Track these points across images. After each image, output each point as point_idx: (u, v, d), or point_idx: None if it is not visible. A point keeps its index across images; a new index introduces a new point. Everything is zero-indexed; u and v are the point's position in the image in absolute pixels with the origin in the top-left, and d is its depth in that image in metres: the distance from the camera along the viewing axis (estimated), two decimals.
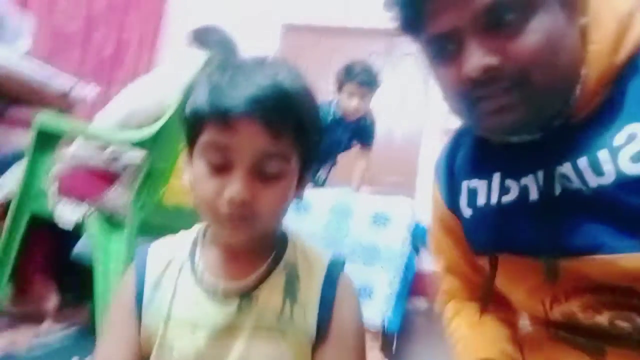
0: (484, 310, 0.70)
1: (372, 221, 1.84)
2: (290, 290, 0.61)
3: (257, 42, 3.10)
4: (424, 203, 2.82)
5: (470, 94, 0.55)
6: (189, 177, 0.59)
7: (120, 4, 3.02)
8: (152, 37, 3.44)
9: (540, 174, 0.58)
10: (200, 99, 0.54)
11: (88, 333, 1.53)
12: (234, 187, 0.53)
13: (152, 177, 1.38)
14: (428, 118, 3.47)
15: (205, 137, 0.54)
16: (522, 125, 0.55)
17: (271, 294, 0.60)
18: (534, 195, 0.59)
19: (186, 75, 1.36)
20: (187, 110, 0.57)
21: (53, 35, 2.48)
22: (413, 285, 2.04)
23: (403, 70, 3.54)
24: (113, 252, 1.38)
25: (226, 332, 0.58)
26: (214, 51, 1.63)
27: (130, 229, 1.37)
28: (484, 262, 0.66)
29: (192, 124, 0.56)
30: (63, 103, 1.92)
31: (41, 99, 1.83)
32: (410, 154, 3.46)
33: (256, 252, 0.62)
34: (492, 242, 0.64)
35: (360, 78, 2.18)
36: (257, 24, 3.45)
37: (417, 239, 1.96)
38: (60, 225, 1.39)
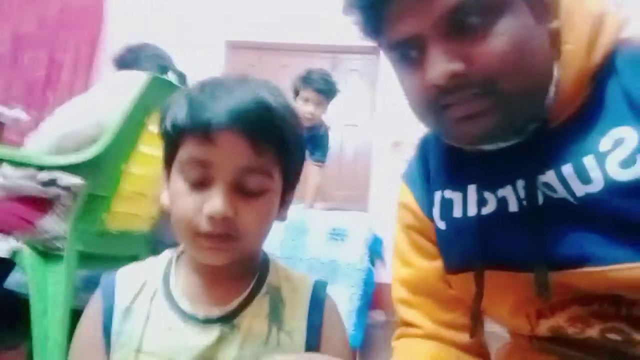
0: (473, 333, 0.64)
1: (329, 237, 1.81)
2: (276, 315, 0.57)
3: (202, 60, 3.02)
4: (377, 217, 2.84)
5: (437, 101, 0.52)
6: (166, 196, 0.57)
7: (51, 24, 2.86)
8: (88, 58, 3.28)
9: (520, 183, 0.56)
10: (180, 113, 0.53)
11: None
12: (215, 202, 0.51)
13: (92, 205, 1.27)
14: (376, 132, 3.51)
15: (184, 152, 0.53)
16: (495, 132, 0.52)
17: (255, 321, 0.56)
18: (513, 206, 0.56)
19: (126, 95, 1.28)
20: (165, 125, 0.55)
21: None
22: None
23: (349, 86, 3.58)
24: (50, 288, 1.26)
25: None
26: (146, 68, 1.56)
27: (68, 261, 1.25)
28: (464, 279, 0.62)
29: (171, 138, 0.54)
30: None
31: None
32: (361, 168, 3.48)
33: (237, 276, 0.58)
34: (470, 256, 0.60)
35: (318, 85, 2.19)
36: (200, 42, 3.38)
37: (373, 252, 1.94)
38: None
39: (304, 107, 2.21)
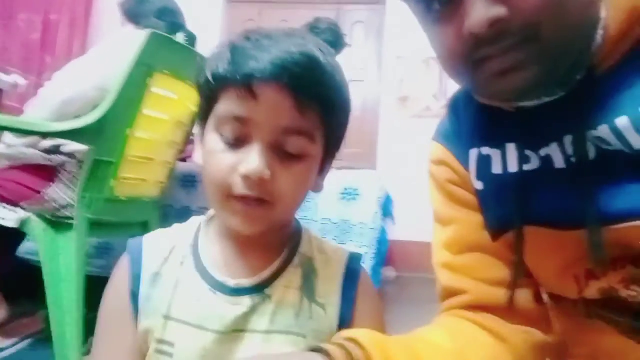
0: (512, 297, 0.59)
1: (341, 197, 1.78)
2: (309, 287, 0.55)
3: (200, 16, 2.91)
4: (386, 174, 2.80)
5: (473, 54, 0.47)
6: (200, 155, 0.54)
7: None
8: (84, 17, 3.17)
9: (568, 139, 0.51)
10: (222, 62, 0.49)
11: (43, 344, 1.40)
12: (252, 161, 0.47)
13: (99, 172, 1.24)
14: (384, 87, 3.42)
15: (222, 107, 0.50)
16: (536, 86, 0.48)
17: (287, 292, 0.54)
18: (559, 163, 0.52)
19: (127, 56, 1.22)
20: (204, 76, 0.51)
21: None
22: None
23: (354, 40, 3.46)
24: (62, 257, 1.24)
25: (236, 335, 0.51)
26: (153, 23, 1.48)
27: (79, 230, 1.23)
28: (508, 240, 0.58)
29: (209, 91, 0.51)
30: None
31: None
32: (369, 125, 3.42)
33: (270, 245, 0.55)
34: (513, 214, 0.56)
35: (325, 36, 2.08)
36: None
37: (385, 210, 1.92)
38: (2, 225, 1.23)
39: None
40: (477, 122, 0.60)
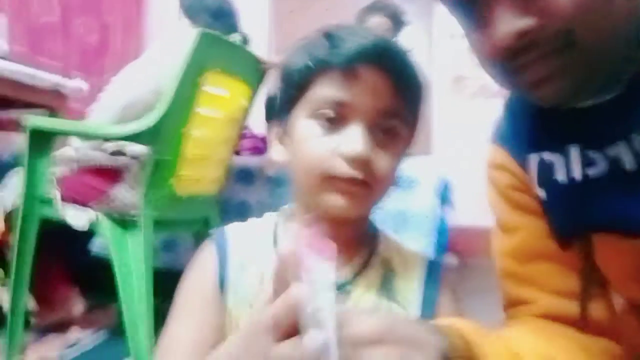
0: (584, 308, 0.55)
1: (397, 186, 1.74)
2: (388, 288, 0.55)
3: (245, 8, 2.92)
4: (443, 158, 2.71)
5: (510, 63, 0.45)
6: (278, 150, 0.56)
7: None
8: (137, 18, 3.27)
9: (637, 137, 0.47)
10: (318, 48, 0.51)
11: (117, 335, 1.47)
12: (356, 142, 0.48)
13: (159, 170, 1.28)
14: (436, 67, 3.31)
15: (319, 91, 0.51)
16: (580, 91, 0.45)
17: (367, 291, 0.54)
18: (630, 164, 0.48)
19: (179, 55, 1.24)
20: (295, 64, 0.53)
21: (30, 30, 2.33)
22: None
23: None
24: (131, 253, 1.30)
25: None
26: (209, 22, 1.49)
27: (145, 228, 1.28)
28: (574, 246, 0.55)
29: (301, 79, 0.52)
30: (53, 101, 1.81)
31: (30, 100, 1.72)
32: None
33: (350, 243, 0.55)
34: (581, 222, 0.52)
35: (389, 11, 1.98)
36: None
37: (444, 198, 1.86)
38: (74, 228, 1.30)
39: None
40: (535, 123, 0.56)
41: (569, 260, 0.56)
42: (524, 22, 0.42)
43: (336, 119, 0.50)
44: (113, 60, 2.98)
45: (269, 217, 0.61)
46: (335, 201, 0.50)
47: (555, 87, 0.44)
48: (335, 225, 0.51)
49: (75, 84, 1.86)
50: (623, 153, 0.48)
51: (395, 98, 0.50)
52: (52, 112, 1.85)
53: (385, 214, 1.75)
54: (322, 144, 0.50)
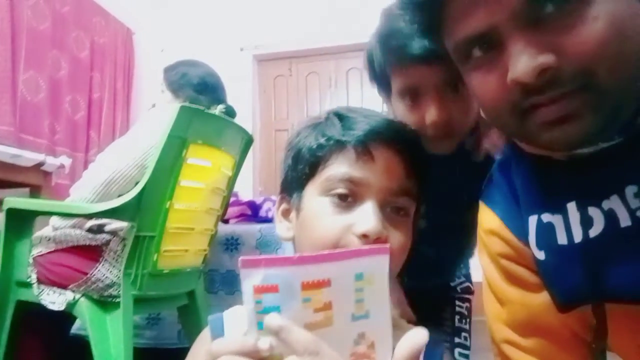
0: None
1: None
2: None
3: (231, 75, 3.01)
4: None
5: (520, 103, 0.43)
6: (284, 227, 0.57)
7: (84, 65, 2.92)
8: (125, 93, 3.34)
9: (630, 190, 0.45)
10: (332, 129, 0.53)
11: None
12: (369, 219, 0.49)
13: (141, 247, 1.24)
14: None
15: (334, 169, 0.52)
16: (593, 135, 0.43)
17: None
18: (625, 221, 0.46)
19: (161, 130, 1.24)
20: (308, 143, 0.54)
21: (17, 109, 2.37)
22: None
23: None
24: (110, 334, 1.24)
25: None
26: (192, 96, 1.52)
27: (125, 308, 1.22)
28: (581, 314, 0.51)
29: (314, 158, 0.53)
30: (36, 179, 1.79)
31: (12, 179, 1.71)
32: None
33: None
34: (583, 289, 0.49)
35: (412, 49, 1.02)
36: (229, 59, 3.37)
37: None
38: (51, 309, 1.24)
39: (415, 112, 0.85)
40: (531, 184, 0.55)
41: (569, 334, 0.54)
42: (543, 58, 0.41)
43: (349, 197, 0.51)
44: (99, 135, 3.01)
45: None
46: None
47: (571, 130, 0.43)
48: None
49: (57, 162, 1.86)
50: (617, 208, 0.46)
51: (407, 178, 0.52)
52: (36, 191, 1.83)
53: None
54: (335, 221, 0.50)
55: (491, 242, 0.60)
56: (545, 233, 0.52)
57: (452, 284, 1.08)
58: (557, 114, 0.42)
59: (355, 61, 3.50)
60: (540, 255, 0.53)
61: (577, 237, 0.49)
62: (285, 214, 0.57)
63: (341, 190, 0.51)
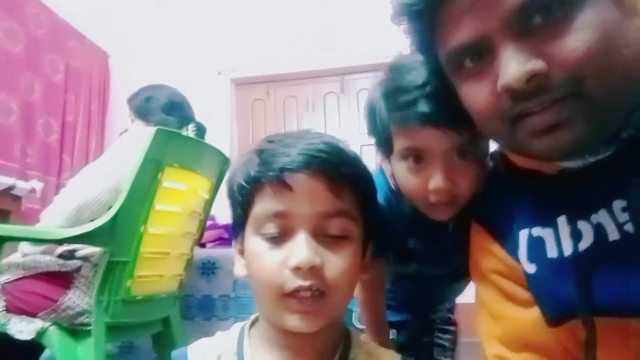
0: None
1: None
2: None
3: (208, 99, 3.01)
4: None
5: (510, 110, 0.44)
6: (239, 266, 0.56)
7: (58, 89, 2.88)
8: (99, 116, 3.30)
9: (618, 204, 0.46)
10: (251, 165, 0.53)
11: None
12: (299, 251, 0.48)
13: (114, 273, 1.21)
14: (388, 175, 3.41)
15: (259, 207, 0.52)
16: (581, 144, 0.44)
17: None
18: (613, 234, 0.46)
19: (136, 154, 1.23)
20: (236, 183, 0.54)
21: None
22: None
23: (361, 106, 3.52)
24: None
25: None
26: (161, 119, 1.51)
27: (97, 336, 1.18)
28: (571, 328, 0.51)
29: (242, 198, 0.53)
30: (5, 203, 1.74)
31: None
32: None
33: (320, 350, 0.54)
34: (573, 303, 0.49)
35: (421, 109, 0.67)
36: (206, 83, 3.37)
37: None
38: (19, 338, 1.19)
39: (419, 176, 0.69)
40: (522, 199, 0.56)
41: (561, 350, 0.54)
42: (533, 64, 0.42)
43: (280, 233, 0.50)
44: (73, 158, 2.96)
45: (235, 327, 0.59)
46: (293, 321, 0.50)
47: (560, 137, 0.43)
48: (300, 337, 0.51)
49: (28, 186, 1.81)
50: (606, 222, 0.47)
51: (336, 198, 0.51)
52: (5, 216, 1.78)
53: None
54: (270, 259, 0.50)
55: (482, 259, 0.60)
56: (536, 247, 0.53)
57: (433, 316, 1.04)
58: (547, 122, 0.43)
59: (332, 85, 3.54)
60: (531, 268, 0.54)
61: (567, 250, 0.50)
62: (241, 252, 0.57)
63: (269, 227, 0.51)
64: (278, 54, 3.44)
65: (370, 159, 3.45)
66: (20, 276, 1.25)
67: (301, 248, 0.48)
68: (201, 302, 1.78)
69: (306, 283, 0.48)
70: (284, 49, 3.43)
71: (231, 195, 0.56)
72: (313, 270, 0.48)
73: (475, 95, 0.48)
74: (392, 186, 0.76)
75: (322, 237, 0.51)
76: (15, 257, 1.33)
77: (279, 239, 0.50)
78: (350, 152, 0.55)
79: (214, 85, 3.47)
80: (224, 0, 3.51)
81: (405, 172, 0.67)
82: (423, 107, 0.61)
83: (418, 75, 0.63)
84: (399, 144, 0.66)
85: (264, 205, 0.51)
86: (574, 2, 0.41)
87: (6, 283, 1.24)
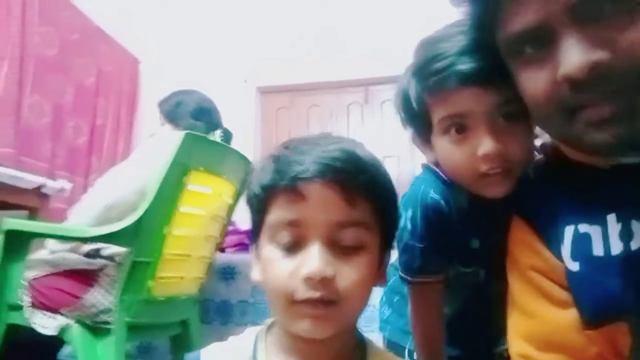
0: None
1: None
2: None
3: (234, 106, 3.04)
4: None
5: (568, 100, 0.43)
6: (256, 271, 0.55)
7: (89, 92, 2.96)
8: (128, 120, 3.37)
9: None
10: (266, 173, 0.52)
11: None
12: (311, 262, 0.47)
13: (137, 273, 1.23)
14: (418, 161, 3.40)
15: (273, 215, 0.51)
16: (634, 144, 0.42)
17: None
18: None
19: (164, 156, 1.25)
20: (252, 190, 0.54)
21: (20, 132, 2.38)
22: None
23: (385, 117, 3.51)
24: None
25: None
26: (190, 124, 1.54)
27: (117, 335, 1.20)
28: (611, 332, 0.49)
29: (259, 203, 0.53)
30: (34, 201, 1.79)
31: (11, 201, 1.70)
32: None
33: (335, 357, 0.53)
34: (619, 304, 0.47)
35: (457, 68, 0.62)
36: (232, 90, 3.42)
37: None
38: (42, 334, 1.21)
39: (465, 146, 0.65)
40: (571, 193, 0.54)
41: (594, 355, 0.51)
42: (597, 55, 0.40)
43: (294, 241, 0.50)
44: (100, 161, 3.02)
45: (250, 332, 0.59)
46: (304, 326, 0.49)
47: (620, 130, 0.42)
48: (314, 344, 0.50)
49: (58, 185, 1.86)
50: None
51: (350, 207, 0.49)
52: (33, 213, 1.82)
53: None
54: (282, 267, 0.49)
55: (522, 254, 0.58)
56: (581, 243, 0.51)
57: (495, 350, 0.83)
58: (606, 114, 0.42)
59: (355, 96, 3.55)
60: (574, 266, 0.52)
61: (616, 249, 0.48)
62: (258, 257, 0.56)
63: (283, 235, 0.50)
64: (303, 63, 3.47)
65: (392, 170, 3.43)
66: (47, 273, 1.28)
67: (313, 258, 0.47)
68: (219, 306, 1.78)
69: (317, 294, 0.47)
70: (308, 58, 3.45)
71: (248, 201, 0.56)
72: (324, 282, 0.47)
73: (534, 82, 0.46)
74: (443, 176, 0.70)
75: (336, 247, 0.49)
76: (42, 254, 1.37)
77: (293, 247, 0.50)
78: (369, 158, 0.53)
79: (239, 93, 3.52)
80: (252, 9, 3.56)
81: (450, 147, 0.62)
82: (457, 66, 0.58)
83: (449, 43, 0.60)
84: (438, 116, 0.62)
85: (278, 213, 0.51)
86: None
87: (33, 279, 1.27)
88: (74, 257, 1.31)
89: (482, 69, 0.57)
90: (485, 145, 0.59)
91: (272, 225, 0.51)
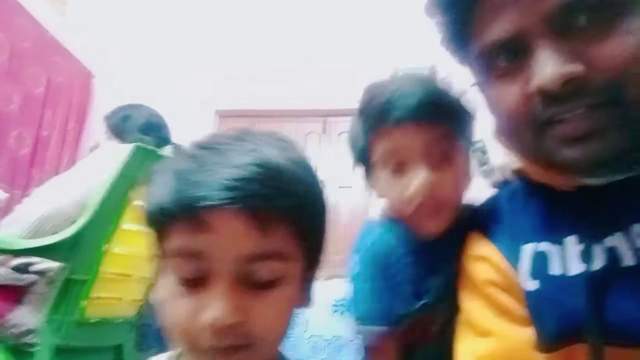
0: None
1: (333, 310, 1.66)
2: None
3: (192, 129, 2.99)
4: None
5: (540, 114, 0.42)
6: (156, 294, 0.45)
7: (37, 102, 2.83)
8: (76, 134, 3.24)
9: (637, 229, 0.44)
10: (165, 192, 0.42)
11: None
12: (215, 306, 0.40)
13: (70, 291, 1.15)
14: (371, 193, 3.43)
15: (173, 241, 0.42)
16: (613, 158, 0.41)
17: None
18: (628, 259, 0.44)
19: (110, 169, 1.20)
20: (149, 208, 0.44)
21: None
22: None
23: (341, 148, 3.56)
24: None
25: None
26: (138, 138, 1.48)
27: (42, 358, 1.11)
28: (568, 355, 0.47)
29: (156, 225, 0.44)
30: None
31: None
32: (358, 231, 3.37)
33: None
34: (577, 325, 0.46)
35: (397, 104, 0.68)
36: (189, 112, 3.37)
37: None
38: None
39: (400, 181, 0.71)
40: (533, 212, 0.53)
41: None
42: (571, 67, 0.40)
43: (195, 275, 0.41)
44: (42, 174, 2.87)
45: (162, 358, 0.55)
46: None
47: (591, 148, 0.41)
48: None
49: None
50: (620, 246, 0.45)
51: (264, 238, 0.41)
52: None
53: (319, 339, 1.63)
54: (181, 307, 0.41)
55: (479, 269, 0.57)
56: (539, 262, 0.50)
57: None
58: (577, 130, 0.41)
59: (314, 125, 3.59)
60: (533, 285, 0.51)
61: (575, 269, 0.47)
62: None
63: (182, 267, 0.42)
64: (263, 90, 3.48)
65: (348, 201, 3.45)
66: None
67: (217, 302, 0.40)
68: (159, 331, 1.69)
69: (222, 344, 0.40)
70: (269, 85, 3.47)
71: (145, 219, 0.45)
72: (232, 327, 0.40)
73: (505, 96, 0.45)
74: (387, 215, 0.71)
75: (247, 282, 0.42)
76: None
77: (195, 282, 0.41)
78: (289, 169, 0.44)
79: (197, 115, 3.47)
80: (215, 32, 3.57)
81: (386, 182, 0.65)
82: (394, 104, 0.61)
83: (391, 85, 0.64)
84: (377, 152, 0.65)
85: (178, 241, 0.42)
86: (621, 5, 0.40)
87: None
88: (1, 271, 1.21)
89: (418, 107, 0.60)
90: (419, 179, 0.61)
91: (172, 254, 0.42)
